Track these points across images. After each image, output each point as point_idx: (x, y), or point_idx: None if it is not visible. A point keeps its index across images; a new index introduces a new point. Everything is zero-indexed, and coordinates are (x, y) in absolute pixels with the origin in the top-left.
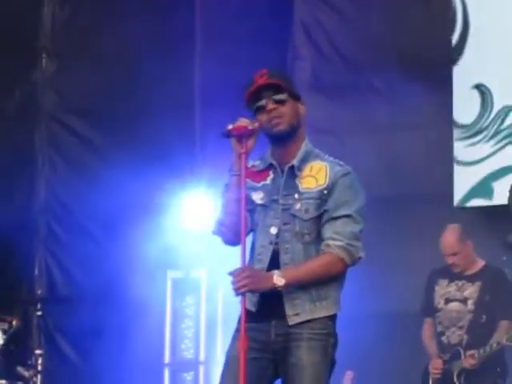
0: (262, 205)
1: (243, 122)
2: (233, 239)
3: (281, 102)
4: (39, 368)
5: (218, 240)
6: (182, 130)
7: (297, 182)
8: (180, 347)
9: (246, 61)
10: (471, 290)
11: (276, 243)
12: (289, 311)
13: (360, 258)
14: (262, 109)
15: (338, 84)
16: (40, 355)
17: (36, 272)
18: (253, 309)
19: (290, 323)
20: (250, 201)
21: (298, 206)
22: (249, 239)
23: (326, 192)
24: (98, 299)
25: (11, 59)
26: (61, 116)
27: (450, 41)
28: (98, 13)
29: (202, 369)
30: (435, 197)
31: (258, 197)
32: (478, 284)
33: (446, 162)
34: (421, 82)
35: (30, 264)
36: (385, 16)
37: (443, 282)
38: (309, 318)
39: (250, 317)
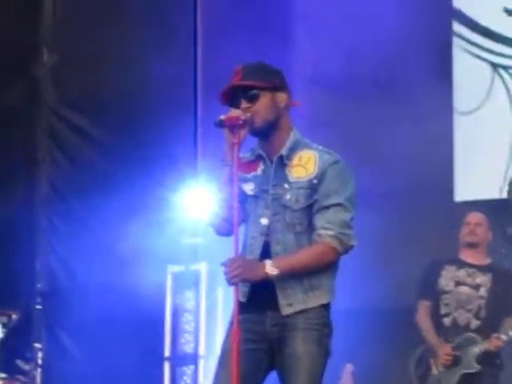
0: (252, 196)
1: (235, 112)
2: (229, 231)
3: (254, 99)
4: (39, 362)
5: None
6: (181, 125)
7: (286, 171)
8: (180, 341)
9: (245, 54)
10: (483, 279)
11: (267, 234)
12: (282, 301)
13: (352, 246)
14: (237, 107)
15: (339, 78)
16: (40, 349)
17: (37, 266)
18: (244, 299)
19: (284, 313)
20: (241, 192)
21: (288, 196)
22: (242, 231)
23: (315, 181)
24: (99, 293)
25: (12, 53)
26: (61, 110)
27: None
28: (98, 7)
29: (201, 363)
30: (436, 191)
31: (248, 188)
32: (489, 275)
33: (446, 157)
34: (421, 77)
35: (31, 258)
36: (386, 8)
37: (451, 268)
38: (302, 307)
39: (244, 308)
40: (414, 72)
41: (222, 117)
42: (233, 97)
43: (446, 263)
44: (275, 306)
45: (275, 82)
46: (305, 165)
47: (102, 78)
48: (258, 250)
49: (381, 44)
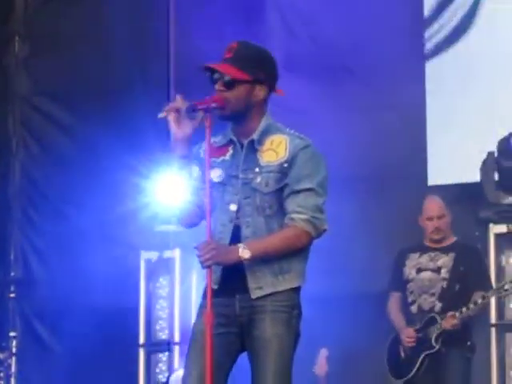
0: (219, 183)
1: (178, 101)
2: (190, 224)
3: (229, 87)
4: (13, 350)
5: None
6: (154, 112)
7: (257, 156)
8: (154, 328)
9: (217, 41)
10: (445, 260)
11: (237, 218)
12: (251, 284)
13: (325, 230)
14: (213, 82)
15: (310, 65)
16: (14, 337)
17: (11, 256)
18: (215, 286)
19: (253, 296)
20: (203, 180)
21: (258, 179)
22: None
23: (286, 165)
24: (73, 282)
25: None
26: (34, 100)
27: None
28: None
29: (176, 349)
30: (409, 176)
31: (215, 175)
32: (451, 255)
33: (419, 142)
34: (393, 63)
35: (6, 248)
36: None
37: (414, 255)
38: (271, 291)
39: (214, 292)
40: (386, 57)
41: (195, 101)
42: (214, 70)
43: (410, 251)
44: (244, 290)
45: (259, 74)
46: (275, 149)
47: (74, 66)
48: (227, 237)
49: (353, 29)
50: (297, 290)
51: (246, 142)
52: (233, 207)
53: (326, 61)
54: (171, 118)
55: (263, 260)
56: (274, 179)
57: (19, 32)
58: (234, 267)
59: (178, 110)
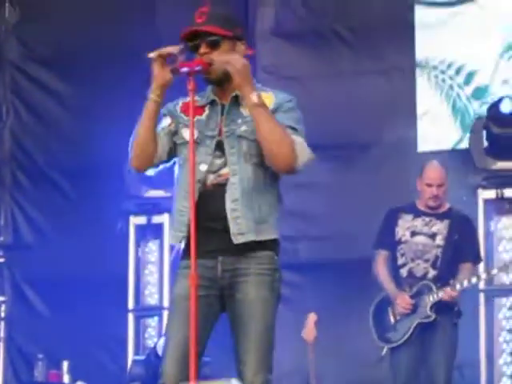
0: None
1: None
2: (142, 167)
3: (215, 46)
4: (2, 315)
5: None
6: (145, 79)
7: (240, 110)
8: (144, 293)
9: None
10: (440, 227)
11: (218, 169)
12: (233, 229)
13: (311, 159)
14: (195, 49)
15: (300, 30)
16: (3, 302)
17: (1, 221)
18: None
19: (235, 242)
20: (179, 135)
21: (243, 127)
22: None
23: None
24: (62, 247)
25: None
26: (24, 65)
27: None
28: None
29: (165, 314)
30: (398, 142)
31: (188, 134)
32: (446, 222)
33: (409, 109)
34: (383, 28)
35: None
36: None
37: (407, 217)
38: (253, 238)
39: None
40: (376, 24)
41: (178, 64)
42: (193, 37)
43: (402, 211)
44: (226, 250)
45: (238, 31)
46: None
47: (64, 31)
48: (196, 195)
49: None
50: (277, 252)
51: (229, 98)
52: (202, 167)
53: (315, 26)
54: (158, 61)
55: (246, 206)
56: None
57: None
58: (215, 217)
59: (169, 55)
